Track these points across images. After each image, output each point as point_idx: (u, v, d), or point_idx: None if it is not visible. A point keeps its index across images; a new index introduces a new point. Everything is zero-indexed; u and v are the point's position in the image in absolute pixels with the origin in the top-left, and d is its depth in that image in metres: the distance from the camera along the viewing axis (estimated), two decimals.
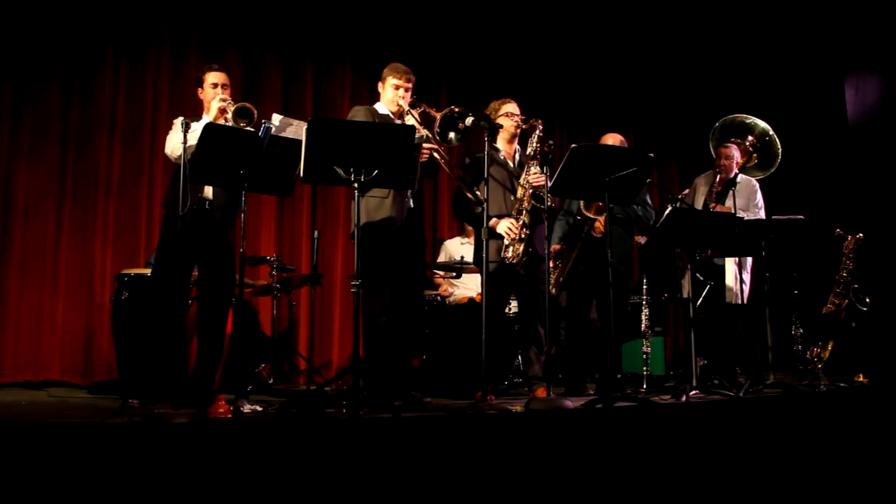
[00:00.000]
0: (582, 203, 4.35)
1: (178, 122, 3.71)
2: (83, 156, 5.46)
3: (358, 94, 6.36)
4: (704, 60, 7.65)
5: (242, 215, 3.31)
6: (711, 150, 5.25)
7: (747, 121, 5.17)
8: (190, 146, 3.39)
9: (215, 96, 3.74)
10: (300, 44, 6.34)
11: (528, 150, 4.15)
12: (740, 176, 4.98)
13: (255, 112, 3.59)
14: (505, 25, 7.07)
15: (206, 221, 3.69)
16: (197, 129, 3.46)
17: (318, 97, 6.40)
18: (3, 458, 2.21)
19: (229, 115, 3.59)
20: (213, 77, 3.82)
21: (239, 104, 3.59)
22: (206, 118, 3.67)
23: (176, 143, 3.59)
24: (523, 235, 4.00)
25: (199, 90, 3.87)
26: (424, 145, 3.72)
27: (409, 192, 3.84)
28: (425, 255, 4.23)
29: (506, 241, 4.02)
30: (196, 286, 3.85)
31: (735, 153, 5.01)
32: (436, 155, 3.80)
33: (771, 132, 5.12)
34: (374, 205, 3.77)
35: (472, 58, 6.96)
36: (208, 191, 3.71)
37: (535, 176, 4.03)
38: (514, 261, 4.00)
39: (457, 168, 4.03)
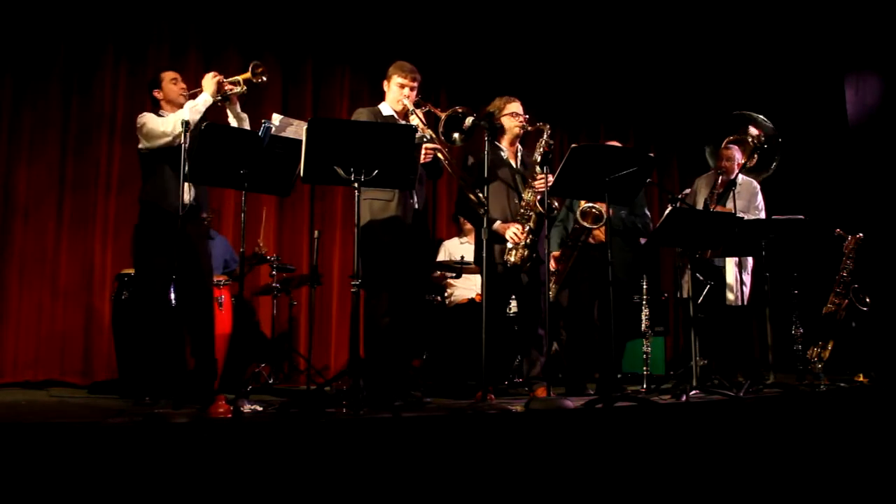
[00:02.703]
0: (578, 214, 4.35)
1: (149, 114, 3.83)
2: (83, 155, 5.46)
3: (357, 96, 6.36)
4: (705, 60, 7.65)
5: (243, 215, 3.32)
6: (708, 156, 5.25)
7: (745, 114, 5.13)
8: (193, 120, 3.56)
9: (180, 91, 3.91)
10: (300, 45, 6.34)
11: (536, 154, 4.07)
12: (741, 177, 4.97)
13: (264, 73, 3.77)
14: (504, 26, 7.07)
15: (189, 221, 3.71)
16: (198, 102, 3.71)
17: (318, 99, 6.40)
18: (3, 458, 2.21)
19: (236, 89, 3.79)
20: (170, 75, 3.98)
21: (253, 64, 3.82)
22: (205, 94, 3.76)
23: (175, 117, 3.67)
24: (528, 241, 3.99)
25: (157, 91, 3.96)
26: (427, 145, 3.70)
27: (415, 193, 3.84)
28: (428, 257, 4.23)
29: (509, 245, 4.00)
30: (178, 284, 3.84)
31: (736, 154, 4.99)
32: (439, 155, 3.79)
33: (772, 129, 5.09)
34: (380, 206, 3.76)
35: (471, 59, 6.96)
36: (189, 195, 3.77)
37: (541, 182, 3.97)
38: (518, 263, 3.99)
39: (459, 169, 4.01)
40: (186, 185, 3.70)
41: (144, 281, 3.86)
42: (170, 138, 3.72)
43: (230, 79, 3.78)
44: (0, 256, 5.19)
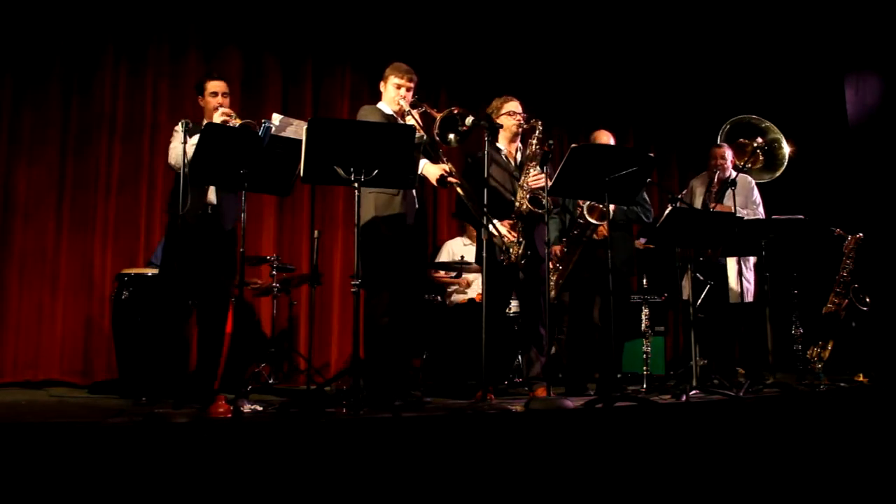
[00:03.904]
0: (585, 209, 4.34)
1: (180, 127, 3.78)
2: (83, 156, 5.46)
3: (358, 95, 6.36)
4: (705, 59, 7.65)
5: (243, 215, 3.32)
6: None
7: (763, 124, 5.18)
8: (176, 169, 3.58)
9: (216, 105, 3.85)
10: (300, 45, 6.33)
11: (528, 150, 4.14)
12: (737, 175, 4.98)
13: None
14: (504, 26, 7.07)
15: (210, 226, 3.76)
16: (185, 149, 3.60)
17: (318, 98, 6.39)
18: (3, 458, 2.22)
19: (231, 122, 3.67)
20: (213, 86, 3.92)
21: (243, 122, 3.67)
22: (192, 140, 3.70)
23: (179, 152, 3.66)
24: (521, 239, 3.99)
25: (200, 98, 3.96)
26: (449, 178, 3.73)
27: (414, 191, 3.84)
28: (427, 256, 4.23)
29: (505, 243, 4.01)
30: (198, 288, 3.90)
31: (728, 153, 5.04)
32: (459, 191, 3.80)
33: (781, 140, 5.13)
34: (384, 201, 3.76)
35: (471, 58, 6.95)
36: (212, 196, 3.79)
37: (534, 178, 4.01)
38: (514, 261, 3.99)
39: (473, 204, 3.90)
40: (211, 193, 3.78)
41: (161, 283, 3.93)
42: (175, 169, 3.78)
43: (236, 121, 3.71)
44: (0, 256, 5.19)
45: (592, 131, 4.79)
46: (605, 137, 4.64)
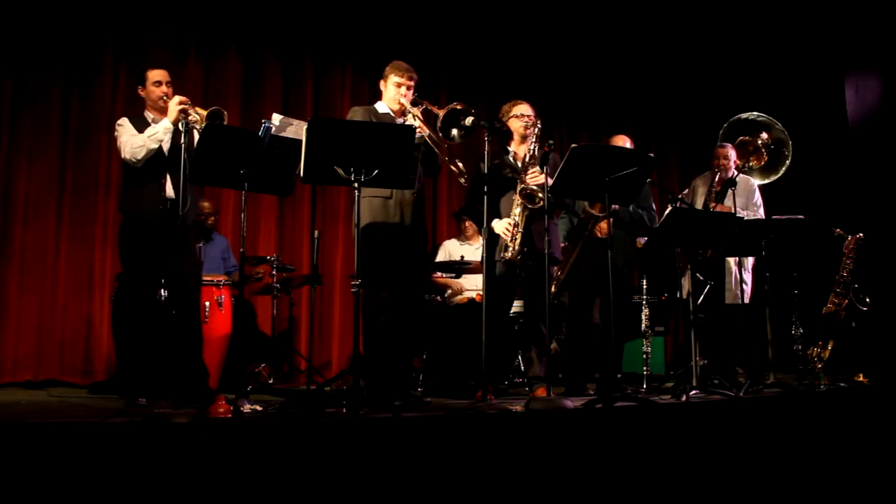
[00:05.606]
0: (587, 201, 4.34)
1: (126, 121, 3.79)
2: (83, 156, 5.47)
3: (358, 94, 6.36)
4: (705, 59, 7.65)
5: (243, 215, 3.32)
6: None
7: (761, 119, 5.15)
8: (150, 149, 3.60)
9: (160, 95, 3.79)
10: (300, 44, 6.34)
11: (527, 149, 4.13)
12: (739, 175, 4.97)
13: (226, 114, 3.61)
14: (505, 25, 7.07)
15: (171, 221, 3.65)
16: (158, 130, 3.62)
17: (318, 97, 6.40)
18: (4, 458, 2.22)
19: (195, 118, 3.57)
20: (155, 75, 3.87)
21: (212, 108, 3.57)
22: (165, 120, 3.67)
23: (135, 143, 3.65)
24: (517, 235, 3.99)
25: (140, 88, 3.90)
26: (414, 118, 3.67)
27: (412, 192, 3.84)
28: (426, 256, 4.22)
29: (506, 241, 4.02)
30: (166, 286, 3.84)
31: (731, 153, 5.02)
32: (421, 132, 3.70)
33: (787, 140, 5.10)
34: (379, 204, 3.77)
35: (472, 58, 6.96)
36: (170, 191, 3.74)
37: (531, 175, 4.01)
38: (513, 259, 3.99)
39: (440, 138, 3.78)
40: (168, 187, 3.72)
41: (130, 286, 3.87)
42: (131, 162, 3.71)
43: (195, 109, 3.61)
44: (0, 256, 5.19)
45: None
46: (622, 142, 4.65)
